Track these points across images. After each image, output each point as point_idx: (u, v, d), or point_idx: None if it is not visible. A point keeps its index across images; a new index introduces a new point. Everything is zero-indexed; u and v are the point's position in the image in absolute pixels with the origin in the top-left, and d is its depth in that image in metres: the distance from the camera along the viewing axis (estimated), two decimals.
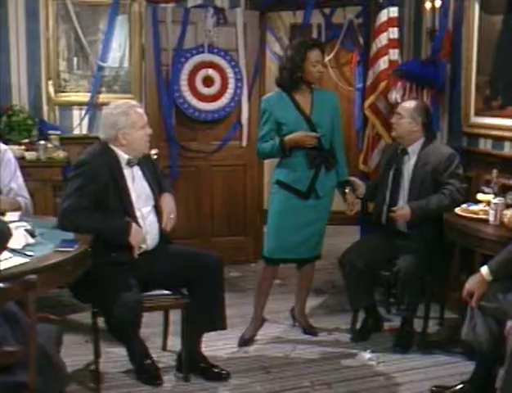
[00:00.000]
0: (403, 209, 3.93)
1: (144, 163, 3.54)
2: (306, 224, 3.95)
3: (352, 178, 4.13)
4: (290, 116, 3.89)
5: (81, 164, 3.35)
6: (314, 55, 3.86)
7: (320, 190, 3.95)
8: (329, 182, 4.01)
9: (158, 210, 3.51)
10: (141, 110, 3.50)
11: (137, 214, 3.40)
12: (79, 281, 3.05)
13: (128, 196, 3.39)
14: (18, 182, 3.65)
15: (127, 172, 3.43)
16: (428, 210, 3.89)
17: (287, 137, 3.85)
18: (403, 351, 3.92)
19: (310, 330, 4.22)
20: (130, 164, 3.44)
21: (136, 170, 3.49)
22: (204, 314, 3.43)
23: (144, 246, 3.37)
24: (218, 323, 3.51)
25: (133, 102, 3.63)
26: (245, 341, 4.03)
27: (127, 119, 3.38)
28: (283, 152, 3.88)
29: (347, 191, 4.06)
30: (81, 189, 3.26)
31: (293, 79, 3.88)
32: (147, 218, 3.45)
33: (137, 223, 3.36)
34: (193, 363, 3.56)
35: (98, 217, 3.26)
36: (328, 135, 3.96)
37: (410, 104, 4.08)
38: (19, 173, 3.66)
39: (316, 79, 3.94)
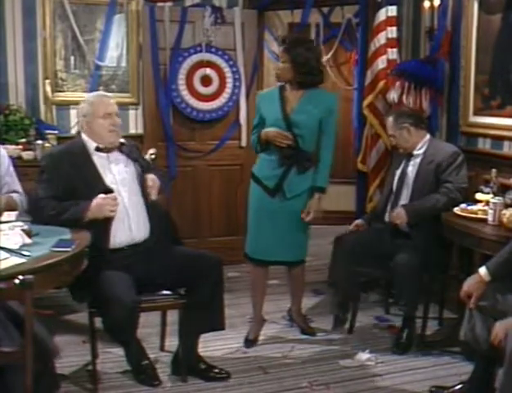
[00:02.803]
0: (398, 211, 3.93)
1: (127, 148, 3.54)
2: (279, 226, 3.90)
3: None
4: (271, 113, 3.89)
5: (43, 159, 3.49)
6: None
7: (288, 190, 3.89)
8: (300, 185, 3.91)
9: (146, 202, 3.49)
10: (106, 100, 3.52)
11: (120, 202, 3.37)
12: (77, 281, 3.04)
13: (98, 183, 3.36)
14: (12, 177, 3.63)
15: (98, 159, 3.42)
16: (423, 210, 3.90)
17: (262, 132, 3.87)
18: (401, 353, 3.91)
19: (308, 331, 4.21)
20: (100, 150, 3.44)
21: (115, 158, 3.48)
22: (203, 314, 3.42)
23: (114, 209, 3.29)
24: (217, 324, 3.50)
25: (103, 93, 3.77)
26: (251, 342, 4.03)
27: (89, 108, 3.45)
28: (259, 147, 3.93)
29: (315, 196, 3.92)
30: (46, 181, 3.33)
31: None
32: (130, 208, 3.40)
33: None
34: (191, 364, 3.55)
35: (62, 205, 3.26)
36: (308, 136, 3.87)
37: (389, 120, 4.15)
38: (12, 168, 3.64)
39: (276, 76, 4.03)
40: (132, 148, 3.60)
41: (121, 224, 3.36)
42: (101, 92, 3.77)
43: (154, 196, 3.46)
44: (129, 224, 3.40)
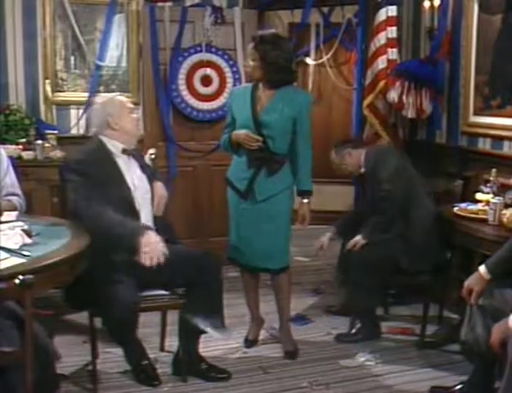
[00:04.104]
0: (356, 241, 4.01)
1: (137, 154, 3.58)
2: (254, 230, 3.77)
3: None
4: (241, 112, 3.77)
5: (77, 163, 3.35)
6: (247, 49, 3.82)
7: (258, 193, 3.74)
8: (271, 187, 3.75)
9: (152, 201, 3.51)
10: (123, 97, 3.59)
11: (136, 204, 3.39)
12: (74, 284, 3.04)
13: (126, 186, 3.38)
14: (11, 178, 3.62)
15: (121, 162, 3.43)
16: (376, 231, 4.00)
17: (233, 133, 3.76)
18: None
19: (291, 352, 3.90)
20: (125, 152, 3.44)
21: (133, 161, 3.50)
22: (203, 313, 3.40)
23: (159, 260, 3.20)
24: (217, 323, 3.48)
25: (116, 93, 3.85)
26: (251, 342, 4.02)
27: (114, 106, 3.44)
28: (230, 148, 3.82)
29: (304, 201, 3.86)
30: (77, 186, 3.27)
31: None
32: (142, 210, 3.42)
33: (137, 213, 3.37)
34: (191, 364, 3.54)
35: (110, 212, 3.20)
36: (278, 138, 3.71)
37: (332, 154, 4.27)
38: (11, 170, 3.63)
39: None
40: (138, 152, 3.64)
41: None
42: (113, 93, 3.85)
43: (160, 212, 3.50)
44: (145, 218, 3.42)
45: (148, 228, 3.26)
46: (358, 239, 4.00)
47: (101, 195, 3.25)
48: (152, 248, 3.16)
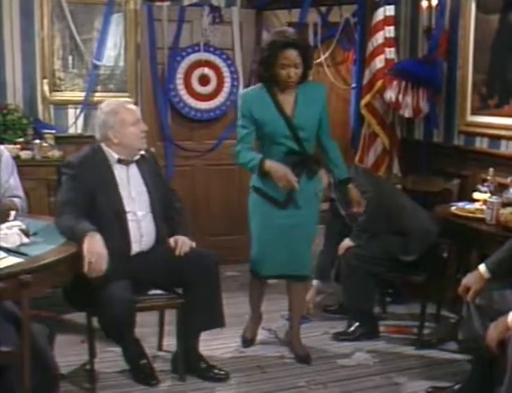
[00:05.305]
0: (345, 245, 4.07)
1: (145, 163, 3.52)
2: (290, 238, 3.63)
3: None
4: (269, 116, 3.55)
5: (67, 166, 3.37)
6: (285, 56, 3.44)
7: (300, 199, 3.62)
8: (311, 190, 3.67)
9: (155, 215, 3.48)
10: (132, 107, 3.48)
11: (129, 215, 3.37)
12: (73, 283, 3.05)
13: (117, 196, 3.36)
14: (16, 181, 3.63)
15: (119, 172, 3.41)
16: (362, 232, 4.06)
17: (268, 164, 3.49)
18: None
19: (305, 359, 3.83)
20: (122, 162, 3.41)
21: (133, 171, 3.46)
22: (203, 312, 3.41)
23: (102, 269, 3.02)
24: (217, 321, 3.49)
25: (124, 100, 3.64)
26: (249, 341, 4.00)
27: (116, 118, 3.37)
28: (259, 174, 3.56)
29: (349, 186, 3.77)
30: (65, 189, 3.29)
31: (264, 77, 3.58)
32: (142, 221, 3.42)
33: (126, 224, 3.34)
34: (191, 364, 3.55)
35: (70, 217, 3.14)
36: (312, 138, 3.64)
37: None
38: (15, 172, 3.65)
39: (284, 82, 3.52)
40: (150, 162, 3.57)
41: (133, 237, 3.37)
42: (121, 100, 3.63)
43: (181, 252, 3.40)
44: (140, 237, 3.40)
45: (95, 233, 3.06)
46: (347, 242, 4.04)
47: (87, 201, 3.25)
48: (95, 256, 2.97)
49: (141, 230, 3.40)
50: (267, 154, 3.58)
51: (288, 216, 3.63)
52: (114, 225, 3.31)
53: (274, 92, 3.57)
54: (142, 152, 3.49)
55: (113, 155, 3.40)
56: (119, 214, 3.35)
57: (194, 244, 3.43)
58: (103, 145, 3.42)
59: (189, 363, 3.55)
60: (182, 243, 3.40)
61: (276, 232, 3.64)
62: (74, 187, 3.27)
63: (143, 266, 3.37)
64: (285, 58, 3.44)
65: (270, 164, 3.49)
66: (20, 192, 3.62)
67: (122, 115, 3.39)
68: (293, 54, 3.45)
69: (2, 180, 3.53)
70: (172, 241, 3.42)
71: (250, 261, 3.83)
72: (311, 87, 3.69)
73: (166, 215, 3.56)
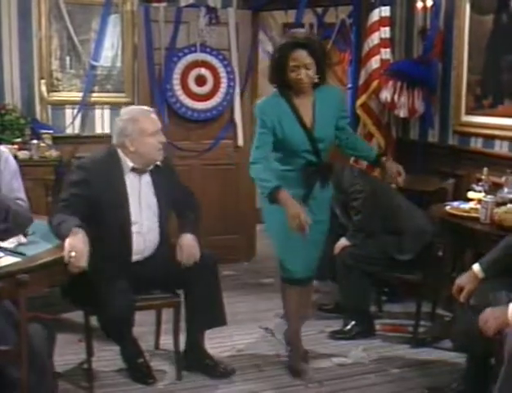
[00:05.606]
0: (341, 244, 4.11)
1: (159, 173, 3.46)
2: (309, 239, 3.36)
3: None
4: (290, 129, 3.39)
5: (78, 168, 3.34)
6: (294, 57, 3.31)
7: (314, 206, 3.49)
8: (324, 198, 3.58)
9: (162, 226, 3.46)
10: (153, 116, 3.40)
11: (134, 227, 3.35)
12: (71, 282, 3.06)
13: (125, 207, 3.33)
14: (19, 183, 3.63)
15: (131, 180, 3.37)
16: (358, 231, 4.11)
17: (282, 196, 3.23)
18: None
19: (305, 357, 3.78)
20: (135, 171, 3.37)
21: (146, 180, 3.43)
22: (204, 311, 3.44)
23: (81, 265, 2.91)
24: (218, 320, 3.52)
25: (146, 108, 3.52)
26: (299, 372, 3.64)
27: (135, 126, 3.32)
28: (269, 200, 3.31)
29: (384, 159, 3.61)
30: (68, 189, 3.28)
31: (277, 81, 3.45)
32: (147, 233, 3.40)
33: (129, 236, 3.33)
34: (198, 361, 3.59)
35: (63, 216, 3.12)
36: (329, 146, 3.53)
37: None
38: (19, 175, 3.65)
39: (297, 85, 3.37)
40: (165, 171, 3.49)
41: (135, 249, 3.38)
42: (144, 108, 3.51)
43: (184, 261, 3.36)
44: (143, 248, 3.41)
45: (79, 229, 2.98)
46: (343, 242, 4.07)
47: (89, 207, 3.23)
48: (75, 252, 2.88)
49: (146, 243, 3.40)
50: (284, 165, 3.46)
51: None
52: (117, 235, 3.31)
53: (290, 98, 3.42)
54: (158, 163, 3.44)
55: (127, 163, 3.36)
56: (124, 226, 3.33)
57: (198, 255, 3.34)
58: (119, 150, 3.38)
59: (196, 360, 3.58)
60: (188, 254, 3.33)
61: (295, 235, 3.34)
62: (78, 191, 3.24)
63: (143, 267, 3.40)
64: (293, 59, 3.30)
65: (285, 199, 3.24)
66: (23, 195, 3.61)
67: (141, 124, 3.33)
68: (302, 54, 3.30)
69: (4, 181, 3.54)
70: (178, 247, 3.35)
71: (283, 271, 3.60)
72: (326, 91, 3.52)
73: (179, 212, 3.53)
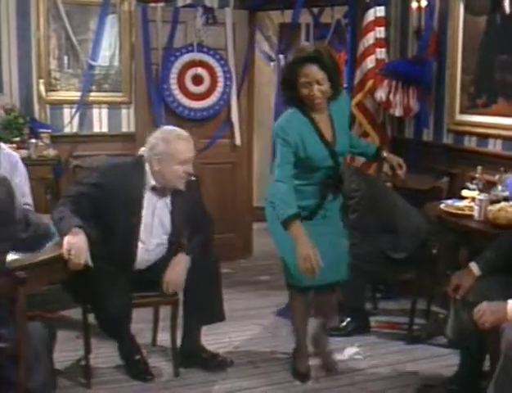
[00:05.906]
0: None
1: (181, 194, 3.39)
2: (320, 244, 3.14)
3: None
4: (313, 148, 3.24)
5: (95, 170, 3.37)
6: (304, 72, 3.13)
7: (325, 217, 3.40)
8: (335, 208, 3.49)
9: (171, 245, 3.45)
10: (187, 145, 3.29)
11: (141, 244, 3.35)
12: (72, 278, 3.09)
13: (136, 222, 3.31)
14: (27, 188, 3.67)
15: (148, 197, 3.35)
16: (354, 230, 4.05)
17: (295, 230, 3.07)
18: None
19: (330, 366, 3.71)
20: (154, 190, 3.35)
21: (164, 199, 3.40)
22: (204, 307, 3.47)
23: (81, 261, 2.99)
24: (217, 315, 3.56)
25: (185, 134, 3.35)
26: (304, 376, 3.59)
27: (166, 148, 3.25)
28: (283, 226, 3.14)
29: (385, 155, 3.57)
30: (81, 191, 3.28)
31: (289, 99, 3.28)
32: (153, 251, 3.41)
33: (134, 250, 3.34)
34: (194, 355, 3.62)
35: (66, 210, 3.14)
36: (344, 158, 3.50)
37: None
38: (28, 180, 3.68)
39: (310, 102, 3.21)
40: (187, 193, 3.40)
41: (138, 262, 3.40)
42: (182, 133, 3.34)
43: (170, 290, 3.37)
44: (146, 261, 3.43)
45: (79, 230, 3.03)
46: None
47: (94, 209, 3.24)
48: (74, 250, 2.95)
49: (150, 256, 3.42)
50: (300, 180, 3.30)
51: (315, 224, 3.31)
52: (121, 246, 3.31)
53: (309, 114, 3.26)
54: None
55: (149, 180, 3.33)
56: (131, 241, 3.33)
57: (180, 284, 3.34)
58: (147, 165, 3.34)
59: (193, 355, 3.61)
60: (170, 284, 3.32)
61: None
62: (88, 191, 3.25)
63: (145, 270, 3.43)
64: (304, 75, 3.13)
65: (298, 234, 3.07)
66: (29, 200, 3.63)
67: (172, 149, 3.25)
68: (313, 70, 3.12)
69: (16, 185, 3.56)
70: (164, 280, 3.32)
71: (288, 276, 3.45)
72: (337, 101, 3.33)
73: (188, 236, 3.49)
